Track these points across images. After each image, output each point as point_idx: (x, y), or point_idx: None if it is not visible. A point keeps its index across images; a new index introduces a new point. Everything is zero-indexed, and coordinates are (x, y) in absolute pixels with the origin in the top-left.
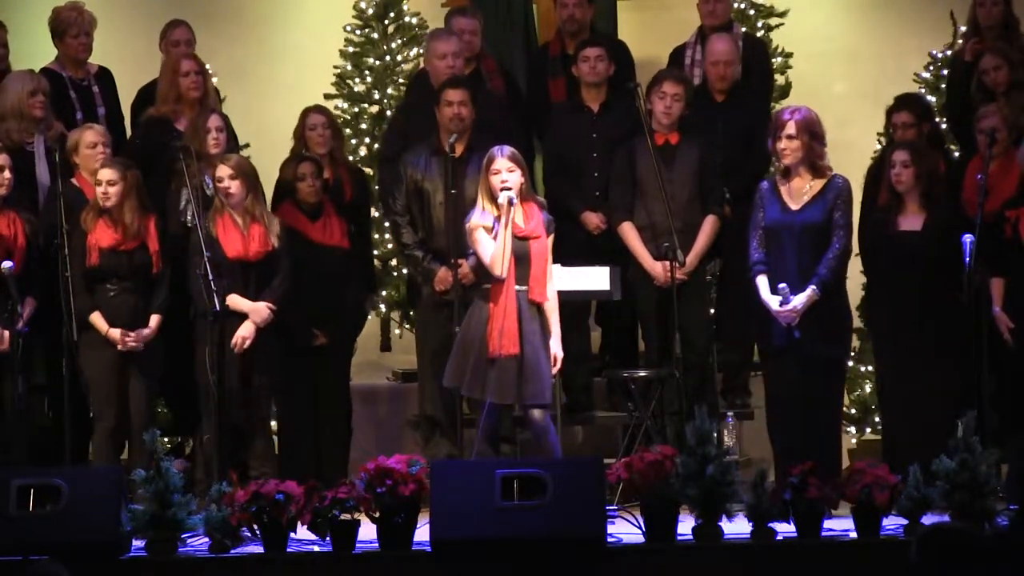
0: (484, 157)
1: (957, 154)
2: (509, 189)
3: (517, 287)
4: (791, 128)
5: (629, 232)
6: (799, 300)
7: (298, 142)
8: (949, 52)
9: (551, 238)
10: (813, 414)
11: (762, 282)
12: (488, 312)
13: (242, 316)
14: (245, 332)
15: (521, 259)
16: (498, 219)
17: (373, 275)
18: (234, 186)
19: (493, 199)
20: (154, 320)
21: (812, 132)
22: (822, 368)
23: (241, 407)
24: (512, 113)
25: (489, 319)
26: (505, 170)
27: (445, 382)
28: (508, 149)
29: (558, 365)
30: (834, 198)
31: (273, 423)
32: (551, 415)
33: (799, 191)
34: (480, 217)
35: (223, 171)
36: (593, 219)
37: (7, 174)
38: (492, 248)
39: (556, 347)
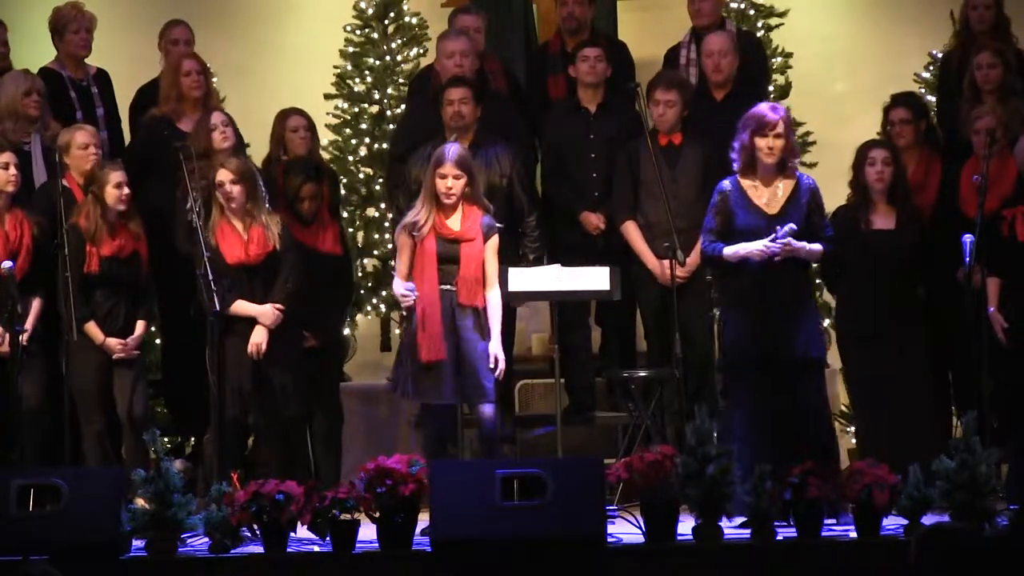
0: (488, 153)
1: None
2: (411, 292)
3: (443, 287)
4: (780, 127)
5: (632, 231)
6: (799, 243)
7: (275, 145)
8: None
9: (492, 243)
10: (805, 422)
11: (729, 248)
12: (416, 318)
13: (246, 318)
14: (258, 338)
15: (449, 261)
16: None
17: (353, 278)
18: (235, 191)
19: (435, 199)
20: (140, 327)
21: (793, 131)
22: (807, 373)
23: (255, 409)
24: (517, 113)
25: (416, 325)
26: (451, 176)
27: (395, 390)
28: (456, 151)
29: (500, 366)
30: (809, 201)
31: None
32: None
33: (771, 194)
34: (412, 215)
35: (224, 175)
36: (592, 219)
37: (12, 171)
38: (398, 283)
39: (495, 348)
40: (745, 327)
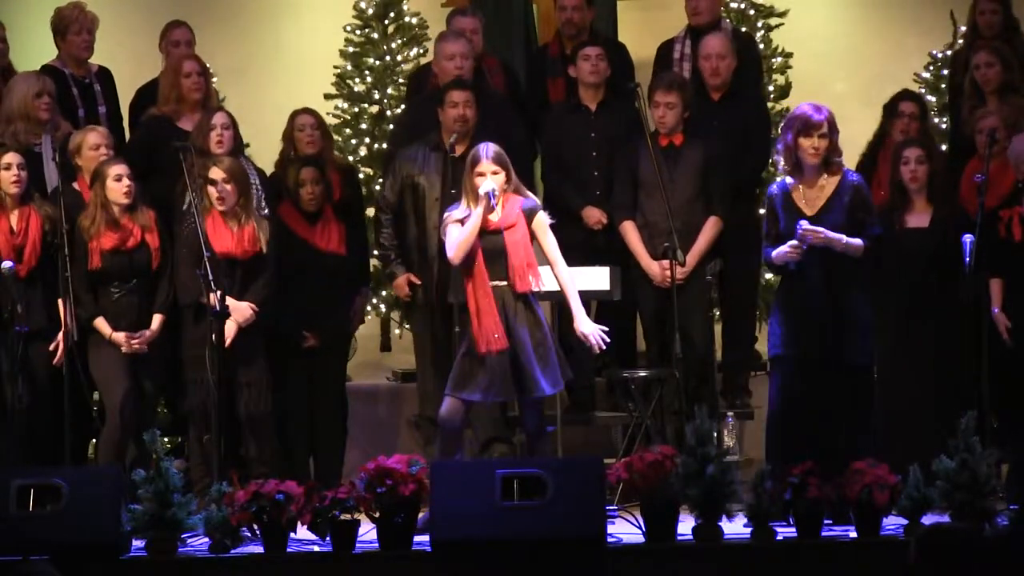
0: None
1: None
2: (493, 183)
3: (495, 283)
4: (825, 127)
5: (630, 231)
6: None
7: (287, 144)
8: (949, 52)
9: (539, 221)
10: (848, 426)
11: (775, 252)
12: (469, 317)
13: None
14: (227, 330)
15: (495, 253)
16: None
17: (368, 274)
18: (228, 189)
19: (476, 198)
20: (157, 320)
21: (837, 129)
22: (852, 380)
23: (225, 402)
24: (514, 111)
25: (471, 323)
26: (490, 173)
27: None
28: (493, 149)
29: (595, 341)
30: (852, 199)
31: None
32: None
33: (813, 194)
34: (460, 214)
35: (216, 174)
36: (594, 214)
37: (15, 171)
38: (456, 235)
39: (585, 327)
40: (790, 328)
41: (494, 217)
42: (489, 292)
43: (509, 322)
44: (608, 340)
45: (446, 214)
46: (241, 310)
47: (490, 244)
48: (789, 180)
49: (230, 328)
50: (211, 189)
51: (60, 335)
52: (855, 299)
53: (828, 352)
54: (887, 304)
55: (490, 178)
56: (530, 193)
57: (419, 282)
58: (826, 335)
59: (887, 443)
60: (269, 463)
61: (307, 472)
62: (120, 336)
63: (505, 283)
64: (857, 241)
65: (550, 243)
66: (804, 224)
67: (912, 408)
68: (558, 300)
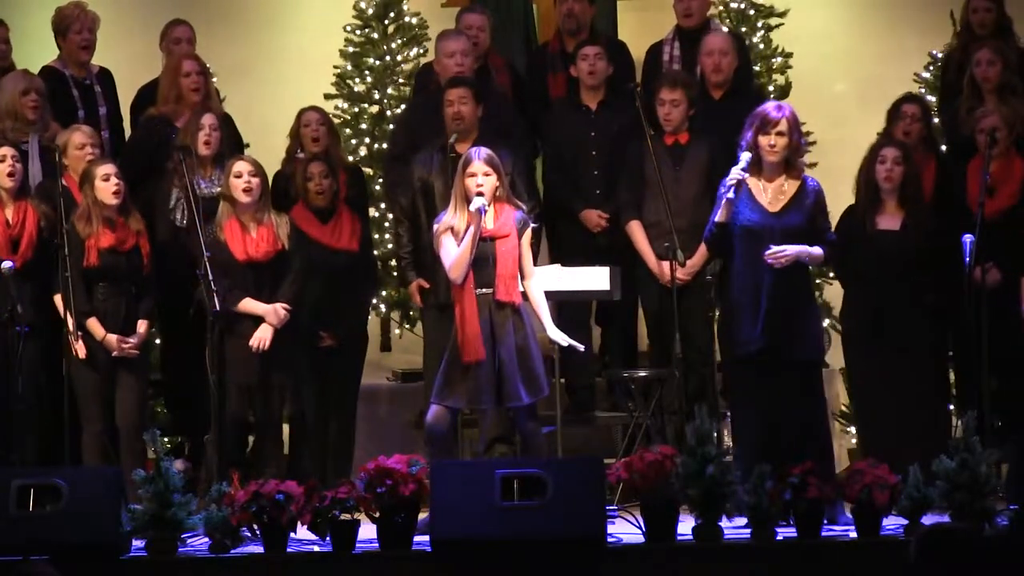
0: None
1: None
2: (482, 195)
3: (479, 290)
4: (783, 126)
5: (636, 231)
6: (792, 248)
7: (293, 141)
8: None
9: (527, 236)
10: (801, 421)
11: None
12: (455, 320)
13: (252, 317)
14: (263, 334)
15: (484, 261)
16: (467, 228)
17: (376, 273)
18: (254, 183)
19: (466, 201)
20: (142, 326)
21: (799, 130)
22: (806, 375)
23: (260, 406)
24: (517, 111)
25: (457, 327)
26: (481, 174)
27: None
28: (485, 152)
29: (575, 344)
30: (813, 203)
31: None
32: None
33: (775, 192)
34: (450, 219)
35: (244, 167)
36: (593, 216)
37: (9, 163)
38: (454, 254)
39: (555, 335)
40: (744, 327)
41: (488, 224)
42: (474, 300)
43: (493, 330)
44: (580, 344)
45: (436, 223)
46: (274, 312)
47: (480, 251)
48: (748, 176)
49: (267, 332)
50: (236, 182)
51: (72, 338)
52: (801, 295)
53: (776, 348)
54: (857, 305)
55: (478, 198)
56: (519, 203)
57: (427, 286)
58: (774, 331)
59: (863, 444)
60: (277, 463)
61: (320, 472)
62: (112, 338)
63: (490, 291)
64: (818, 250)
65: (529, 259)
66: (767, 251)
67: (886, 408)
68: (557, 301)
